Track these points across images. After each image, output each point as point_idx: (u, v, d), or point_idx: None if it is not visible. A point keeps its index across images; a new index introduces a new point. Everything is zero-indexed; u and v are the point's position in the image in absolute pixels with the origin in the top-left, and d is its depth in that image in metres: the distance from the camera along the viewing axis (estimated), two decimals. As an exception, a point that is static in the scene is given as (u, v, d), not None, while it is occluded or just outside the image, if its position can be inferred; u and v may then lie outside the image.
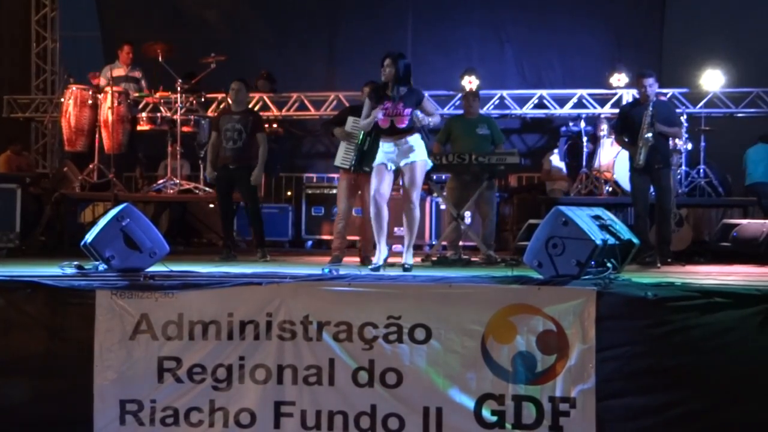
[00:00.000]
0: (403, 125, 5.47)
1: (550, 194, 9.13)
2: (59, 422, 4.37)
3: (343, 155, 6.49)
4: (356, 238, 7.02)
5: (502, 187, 9.70)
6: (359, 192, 6.52)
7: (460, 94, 9.57)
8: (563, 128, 9.90)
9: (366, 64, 9.02)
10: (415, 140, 5.52)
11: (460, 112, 7.86)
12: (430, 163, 5.68)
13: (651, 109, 6.54)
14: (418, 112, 5.45)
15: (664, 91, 8.03)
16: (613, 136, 8.54)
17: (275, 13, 10.78)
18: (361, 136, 6.13)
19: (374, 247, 5.76)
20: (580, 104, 9.70)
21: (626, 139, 6.80)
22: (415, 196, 5.51)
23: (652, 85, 6.63)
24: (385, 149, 5.55)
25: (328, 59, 10.82)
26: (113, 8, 11.11)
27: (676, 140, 7.89)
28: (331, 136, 6.86)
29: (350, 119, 6.52)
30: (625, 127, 6.79)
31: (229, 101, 7.28)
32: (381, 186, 5.51)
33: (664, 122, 6.62)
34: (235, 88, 6.96)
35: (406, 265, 5.50)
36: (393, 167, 5.52)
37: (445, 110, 9.92)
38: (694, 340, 4.00)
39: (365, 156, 6.13)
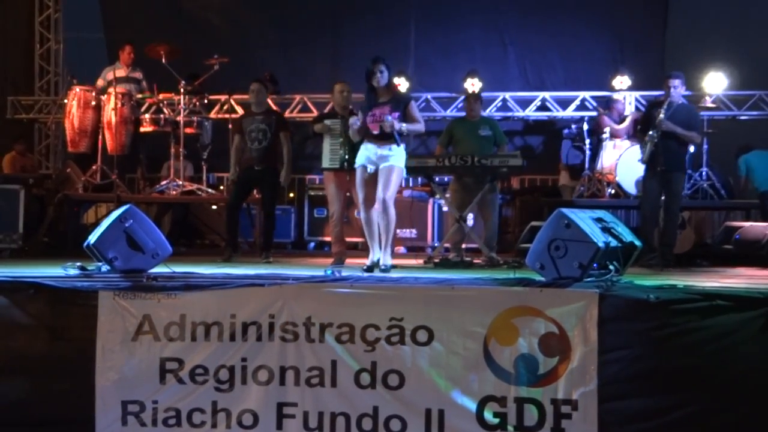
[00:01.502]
0: (389, 130, 5.53)
1: (561, 189, 9.14)
2: (61, 423, 4.37)
3: (330, 156, 6.46)
4: (359, 239, 7.02)
5: (504, 189, 9.72)
6: (348, 193, 6.53)
7: (462, 97, 9.58)
8: (565, 130, 9.91)
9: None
10: (395, 149, 5.56)
11: (463, 114, 7.86)
12: (405, 173, 5.75)
13: (665, 109, 6.54)
14: (392, 119, 5.45)
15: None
16: (614, 140, 8.57)
17: (278, 15, 10.80)
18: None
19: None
20: (582, 106, 9.71)
21: (646, 138, 6.79)
22: (389, 196, 5.49)
23: (676, 87, 6.60)
24: (368, 150, 5.62)
25: (331, 61, 10.83)
26: (117, 10, 11.13)
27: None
28: (313, 135, 6.85)
29: (327, 121, 6.55)
30: (647, 125, 6.77)
31: (234, 103, 7.30)
32: (368, 192, 5.61)
33: (681, 125, 6.59)
34: (255, 89, 7.00)
35: (382, 266, 5.48)
36: (372, 169, 5.58)
37: (448, 112, 9.94)
38: (696, 342, 4.00)
39: (356, 149, 6.16)
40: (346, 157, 6.28)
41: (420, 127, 5.68)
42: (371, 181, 5.60)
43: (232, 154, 7.10)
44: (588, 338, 4.07)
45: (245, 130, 6.91)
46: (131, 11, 11.02)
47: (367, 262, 5.64)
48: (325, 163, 6.51)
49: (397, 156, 5.56)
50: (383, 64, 5.60)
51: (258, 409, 4.31)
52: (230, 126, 8.48)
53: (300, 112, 10.22)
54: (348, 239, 6.87)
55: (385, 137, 5.54)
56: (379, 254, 5.62)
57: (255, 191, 7.23)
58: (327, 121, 6.55)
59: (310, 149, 10.95)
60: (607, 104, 9.22)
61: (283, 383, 4.30)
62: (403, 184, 5.96)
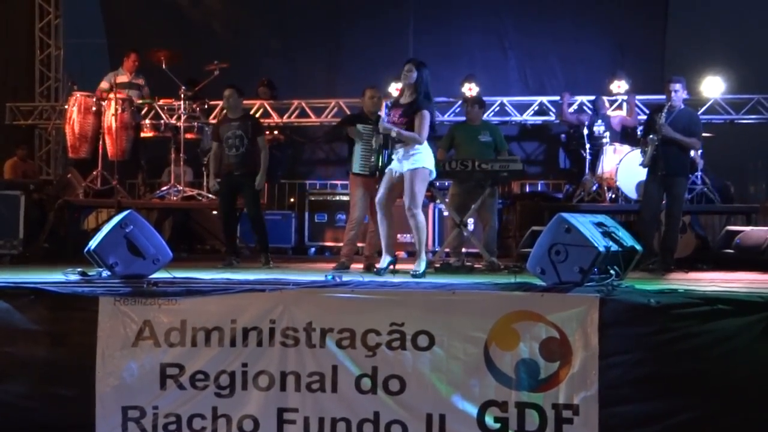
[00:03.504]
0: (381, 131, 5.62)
1: None
2: (61, 428, 4.37)
3: (361, 162, 6.42)
4: (361, 244, 7.02)
5: (505, 193, 9.73)
6: (371, 199, 6.53)
7: (459, 102, 9.59)
8: (563, 135, 9.91)
9: (367, 71, 9.06)
10: (419, 148, 5.54)
11: (464, 118, 7.86)
12: (434, 173, 5.68)
13: (665, 113, 6.55)
14: (386, 123, 5.54)
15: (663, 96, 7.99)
16: (615, 144, 8.57)
17: (277, 20, 10.82)
18: (383, 140, 6.18)
19: (379, 253, 5.80)
20: (581, 111, 9.69)
21: (647, 142, 6.78)
22: (412, 203, 5.52)
23: (677, 91, 6.61)
24: (396, 153, 5.64)
25: (329, 66, 10.85)
26: (119, 15, 11.15)
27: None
28: (346, 137, 6.77)
29: (359, 126, 6.53)
30: (649, 129, 6.77)
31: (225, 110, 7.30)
32: (382, 192, 5.63)
33: (683, 131, 6.58)
34: (227, 94, 6.99)
35: (412, 272, 5.50)
36: (398, 172, 5.56)
37: (446, 117, 9.95)
38: (697, 347, 4.00)
39: (386, 157, 6.15)
40: (378, 165, 6.22)
41: (413, 136, 5.51)
42: (398, 183, 5.60)
43: (211, 162, 7.07)
44: (589, 343, 4.07)
45: (222, 137, 6.89)
46: (133, 17, 11.04)
47: (380, 264, 5.67)
48: (356, 168, 6.48)
49: (417, 155, 5.51)
50: (412, 64, 5.58)
51: (258, 414, 4.30)
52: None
53: (298, 117, 10.24)
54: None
55: (398, 139, 5.56)
56: (390, 257, 5.64)
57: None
58: (359, 126, 6.52)
59: (308, 154, 10.98)
60: (594, 103, 9.26)
61: (284, 389, 4.29)
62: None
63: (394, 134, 5.51)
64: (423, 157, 5.54)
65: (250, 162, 6.87)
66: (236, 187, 6.93)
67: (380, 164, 6.18)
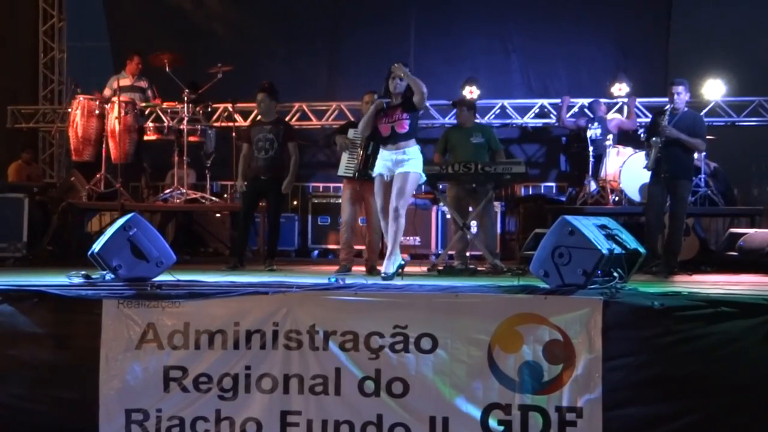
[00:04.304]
0: (404, 130, 5.52)
1: None
2: (65, 431, 4.37)
3: (346, 164, 6.59)
4: (362, 247, 7.02)
5: (508, 196, 9.73)
6: (362, 201, 6.56)
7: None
8: (564, 138, 9.89)
9: (368, 74, 9.04)
10: (413, 151, 5.53)
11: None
12: (423, 177, 5.64)
13: (668, 115, 6.55)
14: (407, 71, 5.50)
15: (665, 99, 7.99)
16: (618, 147, 8.57)
17: (279, 23, 10.84)
18: (364, 142, 6.21)
19: (381, 256, 5.79)
20: (582, 113, 9.69)
21: (651, 144, 6.78)
22: (402, 204, 5.46)
23: (680, 94, 6.62)
24: (384, 157, 5.60)
25: (330, 69, 10.87)
26: (122, 19, 11.17)
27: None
28: (333, 145, 6.92)
29: (351, 130, 6.61)
30: (652, 132, 6.78)
31: (231, 109, 7.30)
32: (381, 201, 5.60)
33: (687, 133, 6.58)
34: (259, 99, 7.02)
35: (383, 274, 5.43)
36: (390, 176, 5.55)
37: (446, 120, 9.95)
38: (700, 349, 3.99)
39: (369, 160, 6.18)
40: (359, 167, 6.33)
41: (419, 84, 5.46)
42: (389, 188, 5.55)
43: (240, 164, 7.09)
44: (592, 345, 4.06)
45: (253, 139, 6.93)
46: (136, 20, 11.05)
47: (383, 268, 5.64)
48: (341, 170, 6.62)
49: (413, 161, 5.50)
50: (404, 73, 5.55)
51: (262, 417, 4.30)
52: (233, 134, 8.50)
53: (299, 120, 10.26)
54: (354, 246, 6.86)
55: (397, 140, 5.53)
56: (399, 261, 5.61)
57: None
58: (351, 131, 6.61)
59: (309, 157, 10.97)
60: (591, 106, 9.26)
61: (287, 391, 4.29)
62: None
63: (402, 75, 5.44)
64: (418, 164, 5.55)
65: (278, 166, 6.89)
66: (262, 191, 6.95)
67: (361, 167, 6.23)
